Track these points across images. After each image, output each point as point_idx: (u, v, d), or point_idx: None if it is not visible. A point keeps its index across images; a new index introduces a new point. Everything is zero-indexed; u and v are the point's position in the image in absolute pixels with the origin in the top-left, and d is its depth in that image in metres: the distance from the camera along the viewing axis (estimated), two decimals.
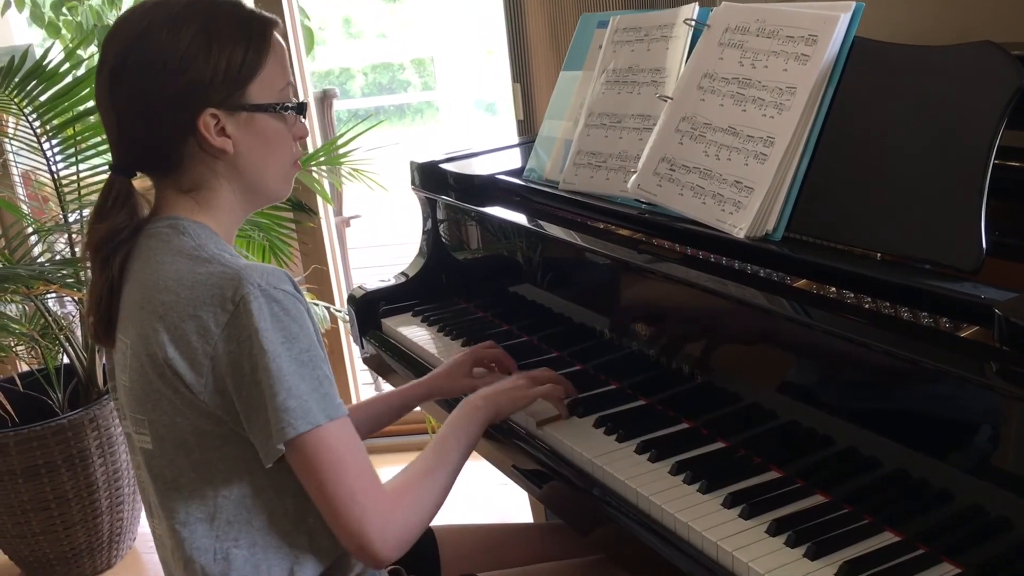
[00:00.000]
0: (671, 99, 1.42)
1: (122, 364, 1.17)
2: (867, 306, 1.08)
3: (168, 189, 1.18)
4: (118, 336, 1.18)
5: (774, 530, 1.07)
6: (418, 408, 1.69)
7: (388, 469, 3.25)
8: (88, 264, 1.20)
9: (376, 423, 1.53)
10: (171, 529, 1.16)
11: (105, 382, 2.68)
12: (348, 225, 3.33)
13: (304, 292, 1.18)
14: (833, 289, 1.12)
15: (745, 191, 1.27)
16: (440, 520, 1.32)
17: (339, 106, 3.54)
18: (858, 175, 1.20)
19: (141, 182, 1.20)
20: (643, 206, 1.43)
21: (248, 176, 1.18)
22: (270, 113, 1.16)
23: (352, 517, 1.08)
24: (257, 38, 1.15)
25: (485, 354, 1.54)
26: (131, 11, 1.15)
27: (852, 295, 1.10)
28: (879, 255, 1.14)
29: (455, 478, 1.22)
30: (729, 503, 1.13)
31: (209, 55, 1.11)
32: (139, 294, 1.13)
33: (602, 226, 1.49)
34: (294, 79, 1.22)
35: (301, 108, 1.20)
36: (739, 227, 1.26)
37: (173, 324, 1.08)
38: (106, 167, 2.63)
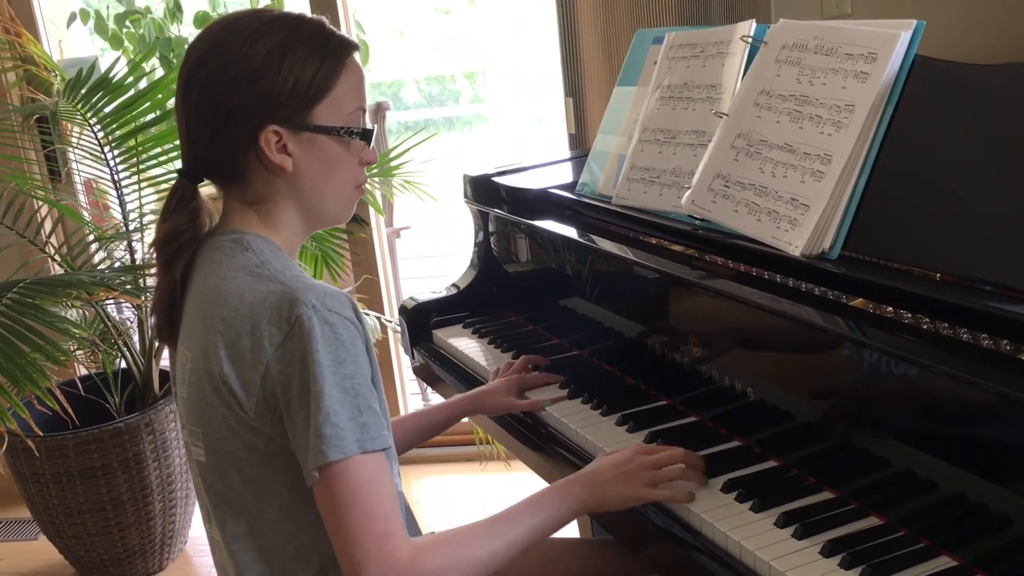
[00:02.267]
0: (726, 115, 1.42)
1: (181, 376, 1.18)
2: (925, 327, 1.06)
3: (233, 200, 1.19)
4: (180, 348, 1.19)
5: (828, 551, 1.06)
6: (466, 419, 1.71)
7: (432, 479, 3.25)
8: (153, 263, 1.23)
9: (422, 435, 1.56)
10: (223, 541, 1.17)
11: (160, 386, 2.74)
12: (399, 236, 3.36)
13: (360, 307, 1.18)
14: (890, 309, 1.11)
15: (801, 209, 1.26)
16: None
17: (391, 118, 3.58)
18: (917, 194, 1.19)
19: (208, 191, 1.22)
20: (697, 222, 1.43)
21: (306, 196, 1.18)
22: (333, 136, 1.16)
23: (352, 559, 1.02)
24: (331, 58, 1.14)
25: (530, 380, 1.59)
26: (218, 20, 1.17)
27: (910, 315, 1.09)
28: (938, 275, 1.13)
29: (510, 556, 1.11)
30: (782, 522, 1.12)
31: (280, 70, 1.11)
32: (201, 307, 1.14)
33: (655, 241, 1.49)
34: (366, 104, 1.21)
35: (366, 135, 1.18)
36: (795, 245, 1.26)
37: (231, 340, 1.09)
38: (167, 176, 2.71)
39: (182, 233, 1.17)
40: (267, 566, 1.15)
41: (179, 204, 1.18)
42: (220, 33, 1.14)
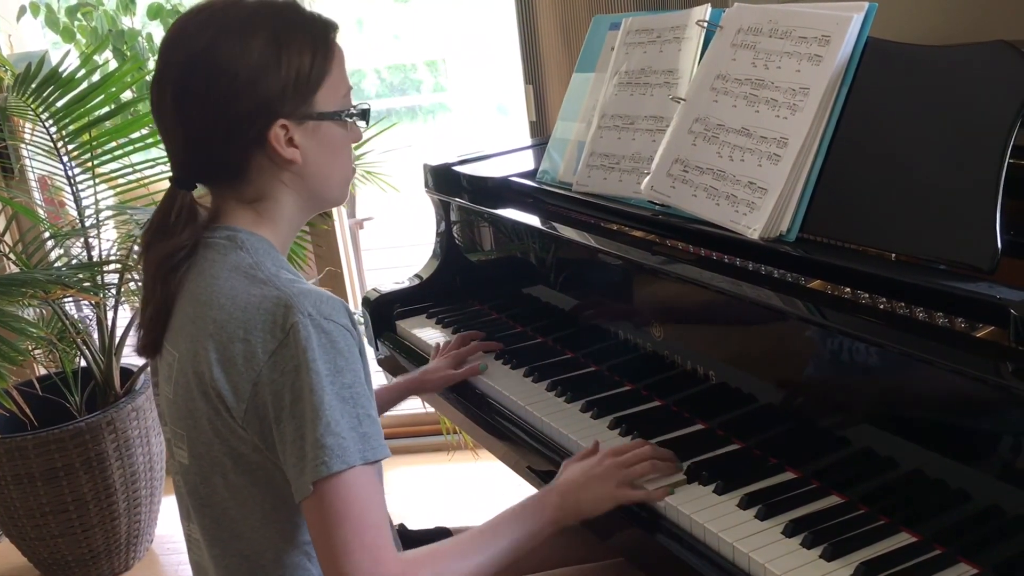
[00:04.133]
0: (684, 100, 1.42)
1: (167, 375, 1.15)
2: (882, 306, 1.08)
3: (229, 199, 1.15)
4: (167, 347, 1.15)
5: (790, 531, 1.07)
6: (432, 409, 1.71)
7: (401, 470, 3.23)
8: (143, 278, 1.16)
9: None
10: (204, 541, 1.15)
11: (122, 385, 2.70)
12: (361, 227, 3.33)
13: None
14: (848, 290, 1.12)
15: (759, 192, 1.27)
16: (456, 523, 1.32)
17: None
18: (872, 175, 1.20)
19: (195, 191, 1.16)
20: (656, 207, 1.43)
21: (312, 185, 1.16)
22: (336, 121, 1.14)
23: (341, 571, 1.01)
24: (323, 44, 1.12)
25: (467, 352, 1.65)
26: (189, 18, 1.11)
27: (867, 295, 1.10)
28: (894, 255, 1.14)
29: (492, 569, 1.11)
30: (745, 504, 1.13)
31: (279, 65, 1.08)
32: (192, 308, 1.10)
33: (616, 228, 1.50)
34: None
35: (365, 114, 1.18)
36: (753, 228, 1.26)
37: (222, 344, 1.05)
38: (122, 171, 2.67)
39: (184, 249, 1.12)
40: (247, 572, 1.13)
41: (179, 218, 1.13)
42: (205, 32, 1.08)
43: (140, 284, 1.16)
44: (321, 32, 1.13)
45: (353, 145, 1.22)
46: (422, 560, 1.06)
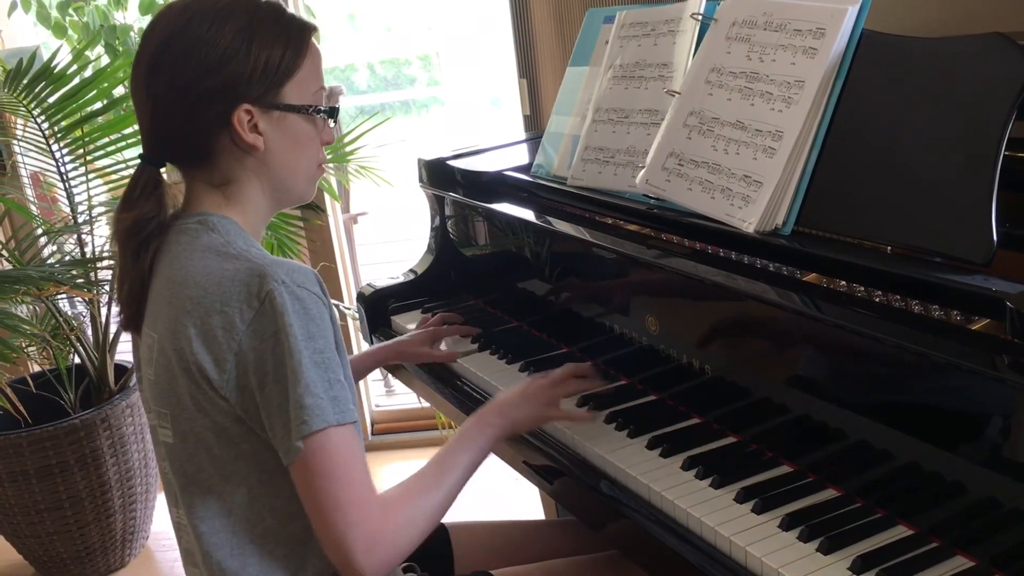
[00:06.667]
0: (679, 94, 1.42)
1: (148, 358, 1.18)
2: (878, 299, 1.07)
3: (198, 182, 1.19)
4: (145, 330, 1.19)
5: (787, 524, 1.07)
6: (428, 404, 1.72)
7: (397, 465, 3.23)
8: (116, 254, 1.21)
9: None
10: (191, 523, 1.17)
11: (116, 381, 2.70)
12: (356, 222, 3.33)
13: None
14: (843, 283, 1.12)
15: (754, 185, 1.27)
16: (453, 517, 1.32)
17: (345, 102, 3.55)
18: (867, 168, 1.19)
19: (170, 177, 1.22)
20: (652, 201, 1.43)
21: (275, 174, 1.19)
22: (302, 115, 1.18)
23: (337, 529, 1.07)
24: (296, 39, 1.17)
25: (444, 333, 1.72)
26: (175, 3, 1.17)
27: (862, 289, 1.10)
28: (889, 248, 1.14)
29: (455, 495, 1.20)
30: (741, 498, 1.13)
31: (250, 51, 1.13)
32: (167, 289, 1.14)
33: (611, 222, 1.49)
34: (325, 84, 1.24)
35: (332, 112, 1.22)
36: (748, 221, 1.26)
37: (200, 319, 1.09)
38: (115, 166, 2.65)
39: (149, 221, 1.17)
40: (235, 547, 1.15)
41: (144, 191, 1.18)
42: (183, 16, 1.14)
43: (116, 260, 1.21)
44: (297, 31, 1.18)
45: (348, 139, 1.24)
46: (399, 500, 1.14)
